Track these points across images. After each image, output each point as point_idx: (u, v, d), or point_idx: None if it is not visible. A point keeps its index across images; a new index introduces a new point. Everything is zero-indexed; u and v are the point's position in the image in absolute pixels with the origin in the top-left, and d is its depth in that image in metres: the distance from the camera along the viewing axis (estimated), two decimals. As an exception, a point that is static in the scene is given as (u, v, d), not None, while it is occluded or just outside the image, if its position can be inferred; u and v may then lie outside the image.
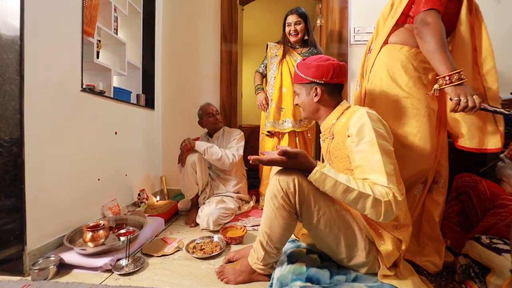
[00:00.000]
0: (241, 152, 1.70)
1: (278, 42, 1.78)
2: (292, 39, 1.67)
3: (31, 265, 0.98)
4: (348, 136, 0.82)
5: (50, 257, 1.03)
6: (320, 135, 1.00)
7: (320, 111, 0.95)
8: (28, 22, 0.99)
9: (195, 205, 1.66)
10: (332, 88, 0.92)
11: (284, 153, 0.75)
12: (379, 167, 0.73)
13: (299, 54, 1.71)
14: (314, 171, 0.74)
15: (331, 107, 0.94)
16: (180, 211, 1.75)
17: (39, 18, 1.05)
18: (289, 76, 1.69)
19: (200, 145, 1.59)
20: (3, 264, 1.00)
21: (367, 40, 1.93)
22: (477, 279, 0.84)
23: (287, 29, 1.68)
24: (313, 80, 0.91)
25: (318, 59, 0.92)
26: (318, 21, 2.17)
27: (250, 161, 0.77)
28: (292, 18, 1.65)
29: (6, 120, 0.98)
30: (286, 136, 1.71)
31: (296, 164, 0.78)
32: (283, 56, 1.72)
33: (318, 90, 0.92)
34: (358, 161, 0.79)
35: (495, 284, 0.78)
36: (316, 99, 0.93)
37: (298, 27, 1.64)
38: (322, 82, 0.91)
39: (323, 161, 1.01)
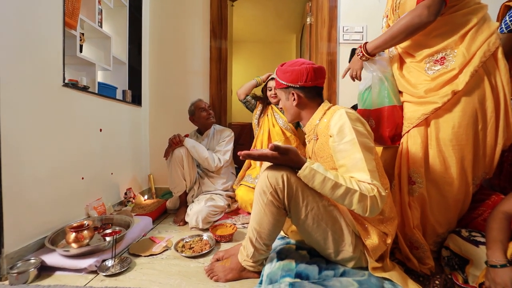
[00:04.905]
0: (227, 157, 1.71)
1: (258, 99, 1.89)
2: (273, 100, 1.77)
3: (8, 268, 0.94)
4: (330, 136, 0.85)
5: (30, 259, 0.99)
6: (305, 136, 1.02)
7: (302, 113, 0.98)
8: (2, 7, 0.93)
9: (183, 203, 1.64)
10: (310, 91, 0.94)
11: (275, 148, 0.76)
12: (362, 165, 0.76)
13: (279, 110, 1.79)
14: (304, 167, 0.75)
15: (313, 108, 0.95)
16: (168, 209, 1.73)
17: (15, 4, 0.99)
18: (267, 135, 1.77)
19: (189, 141, 1.57)
20: (-22, 268, 0.95)
21: (355, 39, 1.97)
22: (460, 270, 0.87)
23: (268, 93, 1.78)
24: (289, 84, 0.93)
25: (293, 64, 0.94)
26: (308, 19, 2.19)
27: (241, 157, 0.77)
28: (272, 83, 1.74)
29: (-20, 116, 0.92)
30: None
31: (287, 160, 0.78)
32: (264, 112, 1.83)
33: (295, 94, 0.94)
34: (341, 160, 0.81)
35: (473, 275, 0.82)
36: (294, 103, 0.95)
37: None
38: (298, 86, 0.92)
39: None
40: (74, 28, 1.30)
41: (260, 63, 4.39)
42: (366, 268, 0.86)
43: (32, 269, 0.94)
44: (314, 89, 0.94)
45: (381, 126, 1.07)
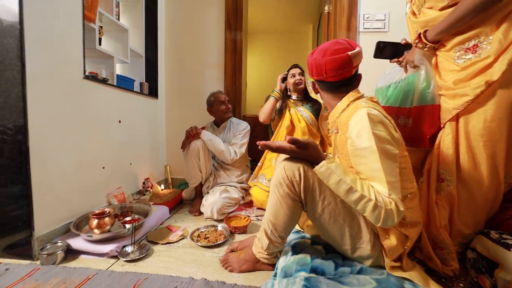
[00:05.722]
0: (243, 150, 1.70)
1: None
2: (298, 87, 1.68)
3: (39, 250, 1.00)
4: (348, 138, 0.79)
5: (57, 242, 1.05)
6: (329, 126, 0.97)
7: (326, 102, 0.93)
8: (27, 6, 0.96)
9: (199, 194, 1.67)
10: (329, 85, 0.86)
11: (294, 141, 0.74)
12: (380, 176, 0.70)
13: (301, 105, 1.71)
14: (321, 163, 0.73)
15: (336, 99, 0.88)
16: (184, 200, 1.77)
17: (38, 1, 1.02)
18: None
19: (206, 134, 1.59)
20: (13, 248, 1.02)
21: (376, 28, 1.86)
22: (487, 274, 0.82)
23: (291, 80, 1.68)
24: (311, 75, 0.89)
25: (319, 51, 0.83)
26: (326, 8, 2.09)
27: (259, 146, 0.76)
28: (296, 70, 1.68)
29: (10, 108, 0.97)
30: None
31: (305, 154, 0.76)
32: (285, 106, 1.72)
33: (316, 85, 0.91)
34: (358, 167, 0.76)
35: (503, 279, 0.77)
36: (314, 92, 0.92)
37: (303, 78, 1.68)
38: (316, 79, 0.88)
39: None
40: (93, 21, 1.32)
41: (275, 55, 4.30)
42: (385, 267, 0.83)
43: (60, 251, 1.00)
44: (334, 83, 0.85)
45: (422, 126, 0.98)
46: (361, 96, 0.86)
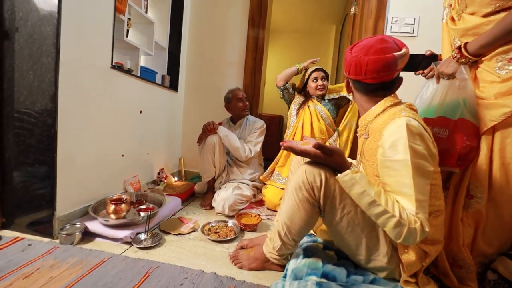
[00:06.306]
0: (258, 148, 1.70)
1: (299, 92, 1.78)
2: (318, 93, 1.67)
3: (59, 229, 1.05)
4: (380, 147, 0.73)
5: (76, 224, 1.10)
6: (358, 129, 0.91)
7: (358, 104, 0.88)
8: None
9: (211, 188, 1.69)
10: (365, 87, 0.80)
11: (319, 147, 0.72)
12: (409, 193, 0.66)
13: (320, 103, 1.69)
14: (345, 172, 0.70)
15: (371, 103, 0.82)
16: (196, 193, 1.79)
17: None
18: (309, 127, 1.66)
19: (222, 130, 1.60)
20: (35, 225, 1.08)
21: (404, 32, 1.80)
22: (511, 298, 0.78)
23: (313, 84, 1.67)
24: (348, 73, 0.81)
25: (363, 47, 0.76)
26: (352, 9, 2.04)
27: (282, 147, 0.75)
28: (318, 74, 1.66)
29: (42, 92, 1.02)
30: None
31: (330, 161, 0.74)
32: (305, 103, 1.71)
33: (350, 84, 0.86)
34: (386, 178, 0.71)
35: (527, 305, 0.72)
36: (347, 91, 0.88)
37: (326, 83, 1.67)
38: (353, 78, 0.81)
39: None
40: (123, 13, 1.36)
41: (295, 54, 4.25)
42: (399, 280, 0.80)
43: (78, 232, 1.04)
44: (372, 86, 0.78)
45: (457, 139, 0.87)
46: (399, 102, 0.80)
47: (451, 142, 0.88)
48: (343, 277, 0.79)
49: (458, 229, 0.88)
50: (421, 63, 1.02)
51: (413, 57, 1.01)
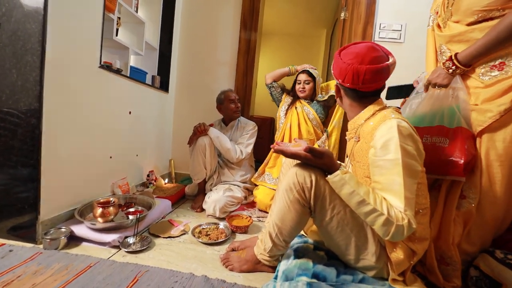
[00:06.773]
0: (249, 150, 1.71)
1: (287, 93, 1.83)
2: (300, 94, 1.73)
3: (43, 234, 1.01)
4: (372, 147, 0.76)
5: (61, 228, 1.06)
6: (347, 132, 0.94)
7: (347, 109, 0.90)
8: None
9: (202, 190, 1.67)
10: (358, 94, 0.82)
11: (310, 150, 0.74)
12: (399, 190, 0.69)
13: (308, 104, 1.74)
14: (335, 173, 0.73)
15: (360, 107, 0.85)
16: (187, 195, 1.77)
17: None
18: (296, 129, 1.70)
19: (213, 131, 1.59)
20: (17, 230, 1.03)
21: (392, 38, 1.86)
22: (491, 294, 0.82)
23: (296, 86, 1.74)
24: (342, 81, 0.82)
25: (349, 53, 0.79)
26: (342, 14, 2.09)
27: (273, 150, 0.76)
28: (303, 77, 1.70)
29: (26, 91, 0.98)
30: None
31: (320, 163, 0.76)
32: (293, 104, 1.75)
33: (342, 90, 0.88)
34: (377, 177, 0.74)
35: (507, 300, 0.76)
36: (336, 96, 0.90)
37: (307, 86, 1.71)
38: (348, 86, 0.82)
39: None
40: (112, 11, 1.34)
41: (287, 57, 4.30)
42: (387, 279, 0.82)
43: (63, 237, 1.01)
44: (364, 92, 0.81)
45: (459, 148, 0.87)
46: (385, 107, 0.84)
47: (454, 152, 0.88)
48: (333, 277, 0.81)
49: (449, 228, 0.91)
50: (407, 92, 1.10)
51: (401, 87, 1.11)
